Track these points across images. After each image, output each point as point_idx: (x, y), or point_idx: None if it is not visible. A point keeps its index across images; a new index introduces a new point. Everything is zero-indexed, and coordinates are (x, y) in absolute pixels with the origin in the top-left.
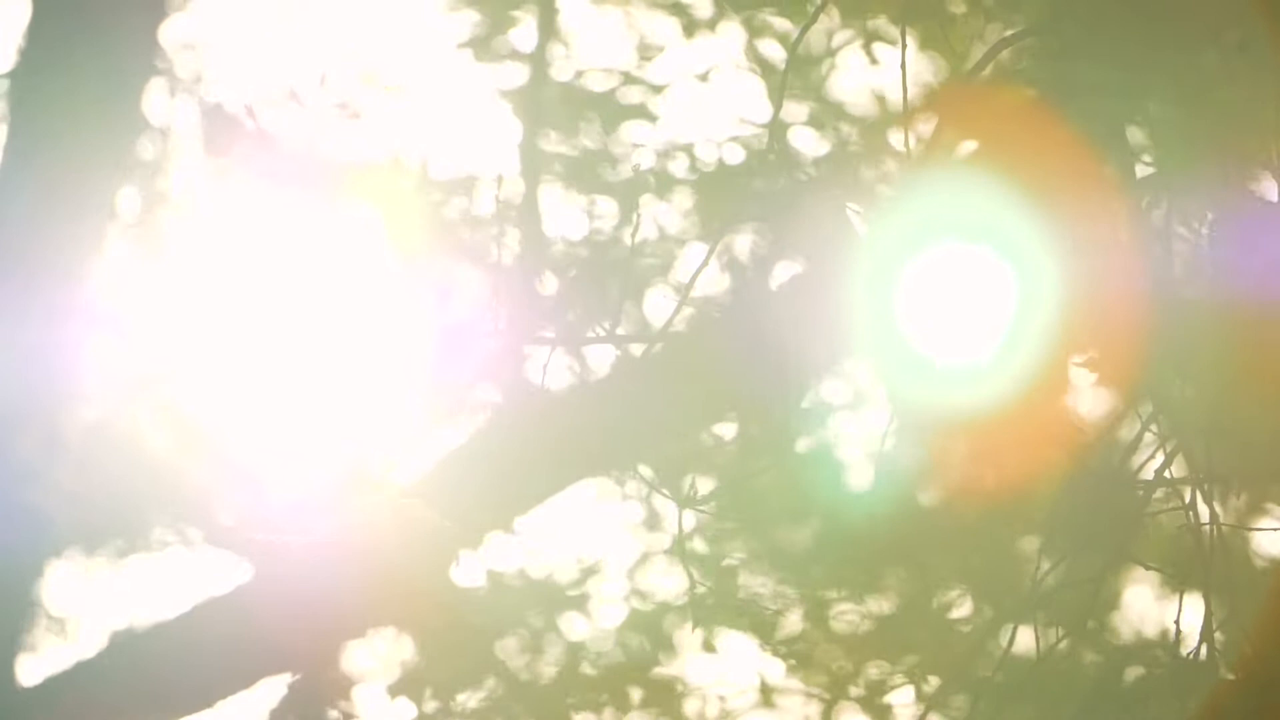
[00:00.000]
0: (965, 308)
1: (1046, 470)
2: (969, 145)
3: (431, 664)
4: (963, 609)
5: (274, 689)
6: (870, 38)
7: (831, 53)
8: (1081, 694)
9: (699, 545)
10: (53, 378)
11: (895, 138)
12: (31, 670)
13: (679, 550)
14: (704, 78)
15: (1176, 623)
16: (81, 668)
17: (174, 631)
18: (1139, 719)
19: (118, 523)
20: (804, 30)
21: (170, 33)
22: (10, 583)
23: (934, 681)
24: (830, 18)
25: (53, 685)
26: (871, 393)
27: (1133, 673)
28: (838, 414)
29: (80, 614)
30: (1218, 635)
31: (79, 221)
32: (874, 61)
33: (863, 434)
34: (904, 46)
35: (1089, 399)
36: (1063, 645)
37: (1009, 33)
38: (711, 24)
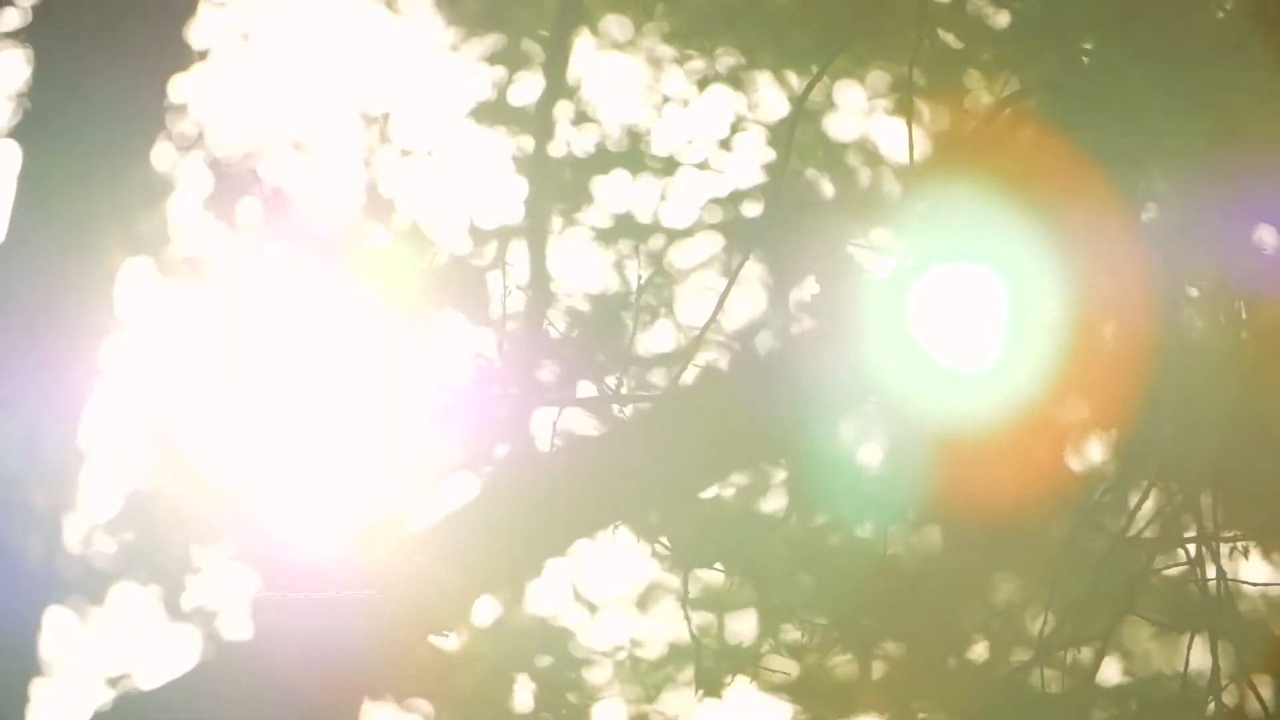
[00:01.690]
0: (972, 349)
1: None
2: (976, 174)
3: (442, 718)
4: (968, 663)
5: None
6: (878, 92)
7: (839, 105)
8: None
9: (704, 601)
10: (61, 435)
11: (902, 186)
12: None
13: (683, 609)
14: (711, 131)
15: (1183, 677)
16: None
17: (184, 689)
18: None
19: (128, 579)
20: (811, 83)
21: (179, 89)
22: (19, 641)
23: None
24: (838, 71)
25: None
26: (878, 437)
27: None
28: (845, 460)
29: (88, 671)
30: (1225, 691)
31: (88, 278)
32: (881, 115)
33: (869, 479)
34: (911, 102)
35: (1092, 447)
36: (1069, 700)
37: (1015, 89)
38: (719, 76)
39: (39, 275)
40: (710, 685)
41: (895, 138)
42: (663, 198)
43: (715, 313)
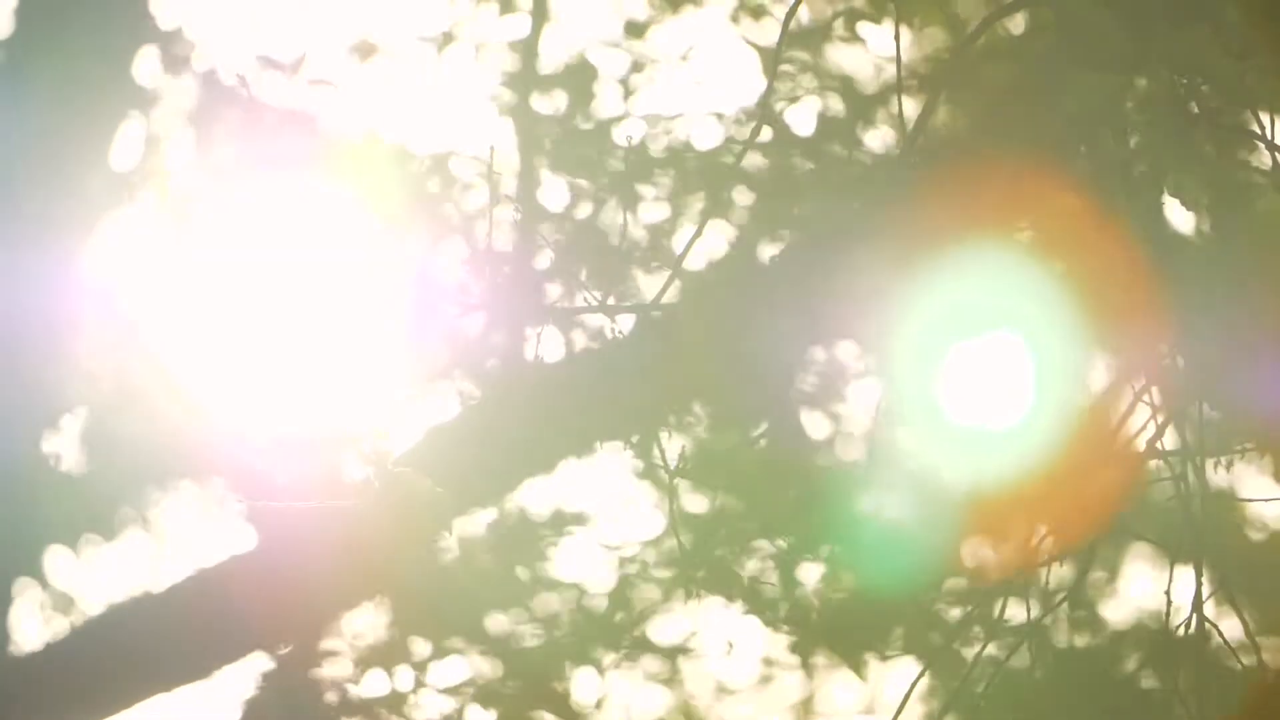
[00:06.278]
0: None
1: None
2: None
3: (421, 632)
4: (955, 580)
5: (268, 659)
6: (864, 8)
7: (826, 25)
8: (1074, 665)
9: (692, 515)
10: (46, 347)
11: (890, 111)
12: (24, 639)
13: (671, 519)
14: (695, 53)
15: (1168, 594)
16: (76, 637)
17: (169, 601)
18: (1131, 689)
19: (113, 492)
20: (797, 3)
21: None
22: (2, 551)
23: (924, 652)
24: None
25: (46, 654)
26: (860, 370)
27: (1125, 644)
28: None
29: (74, 583)
30: (1208, 607)
31: (72, 190)
32: (868, 32)
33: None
34: (897, 16)
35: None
36: (1055, 616)
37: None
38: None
39: (24, 186)
40: (697, 598)
41: (883, 60)
42: (652, 116)
43: (701, 228)
